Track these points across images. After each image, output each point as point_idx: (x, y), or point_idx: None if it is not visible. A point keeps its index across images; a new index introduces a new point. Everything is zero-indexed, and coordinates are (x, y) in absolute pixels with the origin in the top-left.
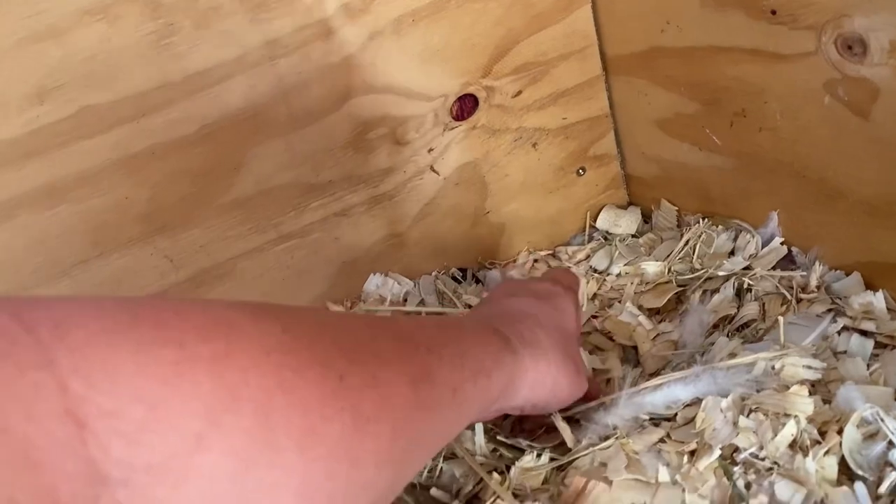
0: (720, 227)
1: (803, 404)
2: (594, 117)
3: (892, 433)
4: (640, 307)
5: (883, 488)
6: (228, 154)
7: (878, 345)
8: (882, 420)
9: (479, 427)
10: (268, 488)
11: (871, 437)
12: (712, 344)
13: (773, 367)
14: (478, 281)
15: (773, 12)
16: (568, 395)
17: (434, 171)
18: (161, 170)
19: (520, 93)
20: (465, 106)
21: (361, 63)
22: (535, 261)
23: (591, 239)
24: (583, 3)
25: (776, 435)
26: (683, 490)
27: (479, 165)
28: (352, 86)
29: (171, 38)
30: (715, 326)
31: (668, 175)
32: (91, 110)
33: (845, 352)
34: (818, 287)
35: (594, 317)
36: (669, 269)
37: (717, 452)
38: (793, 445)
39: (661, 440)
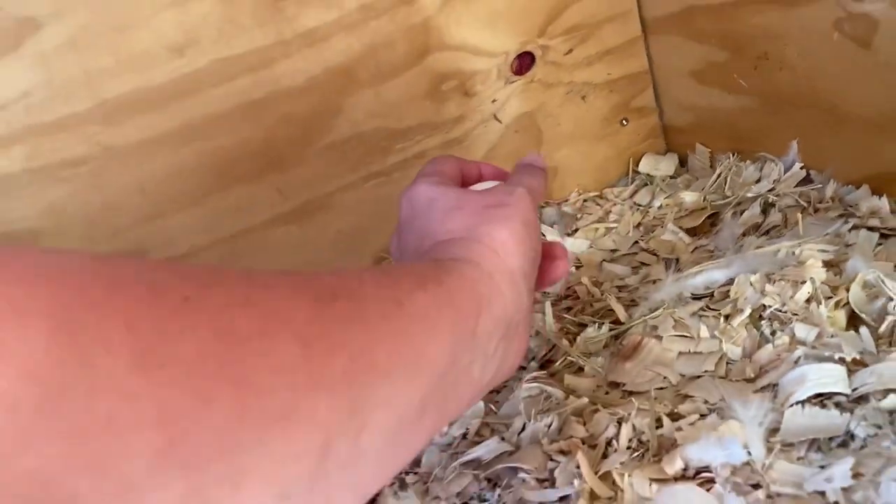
0: (748, 161)
1: (818, 272)
2: (635, 73)
3: (891, 290)
4: (679, 228)
5: (882, 328)
6: (328, 102)
7: (882, 236)
8: (883, 282)
9: (548, 306)
10: (103, 421)
11: (875, 297)
12: (742, 246)
13: (793, 253)
14: None
15: None
16: (533, 241)
17: (497, 119)
18: (274, 115)
19: (570, 51)
20: (524, 62)
21: (438, 24)
22: (585, 200)
23: (633, 181)
24: None
25: (795, 293)
26: (721, 341)
27: (535, 115)
28: (429, 44)
29: (284, 3)
30: (744, 235)
31: (702, 121)
32: (220, 63)
33: (854, 244)
34: (832, 199)
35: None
36: (704, 198)
37: (748, 311)
38: (809, 300)
39: (702, 309)
